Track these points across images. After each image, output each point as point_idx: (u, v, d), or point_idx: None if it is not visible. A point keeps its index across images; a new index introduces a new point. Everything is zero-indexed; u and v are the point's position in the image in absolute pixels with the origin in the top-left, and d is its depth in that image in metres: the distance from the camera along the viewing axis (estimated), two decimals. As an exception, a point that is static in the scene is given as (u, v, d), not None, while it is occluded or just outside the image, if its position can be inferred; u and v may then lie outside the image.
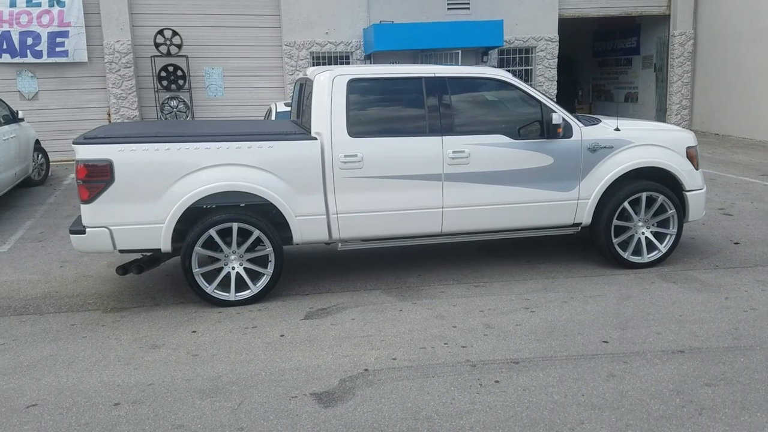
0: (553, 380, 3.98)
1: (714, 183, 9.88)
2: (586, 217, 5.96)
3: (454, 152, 5.60)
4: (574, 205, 5.90)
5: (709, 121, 15.76)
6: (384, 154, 5.54)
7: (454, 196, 5.68)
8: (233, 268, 5.45)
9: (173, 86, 14.30)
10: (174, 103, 14.38)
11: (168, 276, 6.25)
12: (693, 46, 16.32)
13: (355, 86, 5.57)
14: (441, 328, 4.85)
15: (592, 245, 6.32)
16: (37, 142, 11.24)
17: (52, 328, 5.12)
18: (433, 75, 5.69)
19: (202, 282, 5.38)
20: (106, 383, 4.16)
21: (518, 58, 15.38)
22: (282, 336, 4.81)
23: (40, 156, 11.25)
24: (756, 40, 14.38)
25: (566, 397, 3.77)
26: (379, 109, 5.70)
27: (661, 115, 16.72)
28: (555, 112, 5.73)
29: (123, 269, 5.67)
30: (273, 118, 9.14)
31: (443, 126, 5.63)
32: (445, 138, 5.62)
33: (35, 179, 11.03)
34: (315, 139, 5.47)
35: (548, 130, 5.71)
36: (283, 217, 5.44)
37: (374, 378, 4.09)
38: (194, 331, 4.96)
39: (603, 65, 19.56)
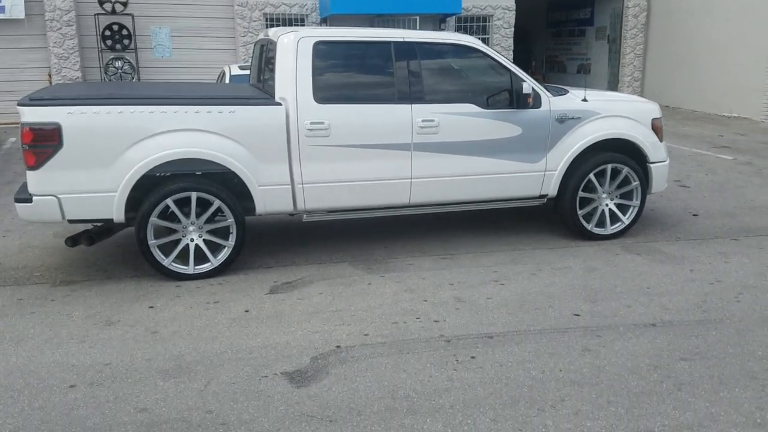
0: (529, 355, 3.92)
1: (669, 155, 10.01)
2: (552, 189, 5.91)
3: (423, 121, 5.44)
4: (541, 176, 5.84)
5: (659, 93, 16.01)
6: (352, 121, 5.32)
7: (423, 167, 5.53)
8: (192, 240, 5.19)
9: (118, 46, 13.60)
10: (119, 63, 13.70)
11: (120, 247, 5.93)
12: (646, 18, 16.47)
13: (321, 49, 5.31)
14: (412, 302, 4.73)
15: (556, 216, 6.30)
16: (-29, 103, 10.53)
17: (-3, 303, 4.79)
18: (402, 39, 5.48)
19: (158, 254, 5.10)
20: (59, 363, 3.89)
21: (476, 27, 15.22)
22: (247, 311, 4.61)
23: (-26, 118, 10.56)
24: (706, 14, 14.60)
25: (544, 373, 3.72)
26: (346, 75, 5.47)
27: (613, 87, 16.91)
28: (525, 81, 5.62)
29: (72, 241, 5.33)
30: (227, 81, 8.76)
31: (413, 93, 5.44)
32: (415, 106, 5.44)
33: (-31, 143, 10.36)
34: (280, 104, 5.21)
35: (518, 100, 5.60)
36: (246, 186, 5.18)
37: (347, 355, 3.95)
38: (151, 307, 4.70)
39: (556, 36, 19.61)
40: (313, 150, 5.27)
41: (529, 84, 5.57)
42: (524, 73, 5.71)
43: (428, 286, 5.02)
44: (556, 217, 6.29)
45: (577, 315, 4.49)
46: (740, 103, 13.96)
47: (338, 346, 4.06)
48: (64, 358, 3.96)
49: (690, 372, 3.75)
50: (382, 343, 4.11)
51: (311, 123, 5.22)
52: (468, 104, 5.56)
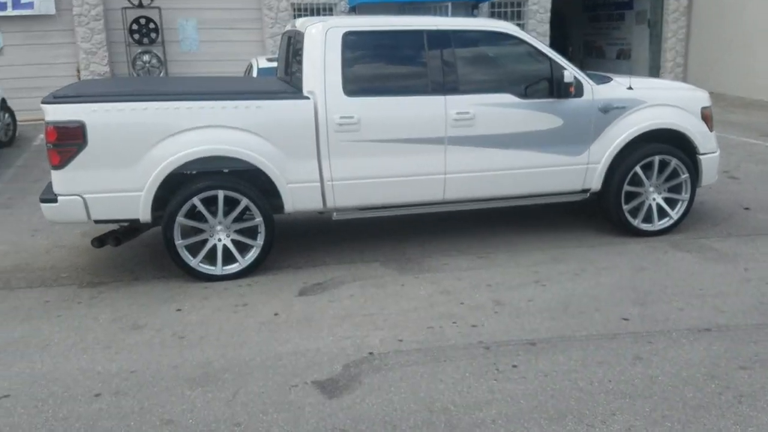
0: (576, 364, 3.66)
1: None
2: (595, 183, 5.60)
3: (458, 113, 5.18)
4: (584, 169, 5.53)
5: (704, 79, 15.36)
6: (383, 115, 5.10)
7: (458, 161, 5.27)
8: (219, 240, 5.03)
9: (145, 40, 13.55)
10: (146, 57, 13.65)
11: (147, 247, 5.80)
12: (688, 1, 15.85)
13: (350, 40, 5.08)
14: (447, 305, 4.50)
15: (596, 212, 5.99)
16: (3, 101, 10.56)
17: (24, 305, 4.69)
18: (435, 28, 5.21)
19: (185, 255, 4.96)
20: (84, 370, 3.76)
21: (509, 12, 14.81)
22: (276, 315, 4.43)
23: (6, 116, 10.59)
24: (752, -5, 13.96)
25: (592, 384, 3.46)
26: (377, 66, 5.24)
27: (654, 73, 16.32)
28: (566, 69, 5.31)
29: (99, 241, 5.22)
30: (254, 74, 8.60)
31: (446, 84, 5.19)
32: (449, 98, 5.18)
33: (2, 140, 10.38)
34: (308, 98, 5.00)
35: (559, 89, 5.30)
36: (274, 184, 5.00)
37: (381, 363, 3.75)
38: (179, 310, 4.56)
39: (594, 20, 19.01)
40: (342, 145, 5.06)
41: (570, 72, 5.27)
42: (565, 60, 5.41)
43: (464, 287, 4.78)
44: (598, 213, 5.98)
45: (626, 319, 4.21)
46: (788, 87, 13.35)
47: (371, 353, 3.86)
48: (90, 364, 3.83)
49: (750, 382, 3.45)
50: (417, 350, 3.89)
51: (341, 117, 5.00)
52: (505, 94, 5.28)
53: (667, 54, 16.09)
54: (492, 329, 4.11)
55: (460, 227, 6.15)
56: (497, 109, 5.26)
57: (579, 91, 5.38)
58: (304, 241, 5.93)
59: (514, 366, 3.66)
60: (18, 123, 11.06)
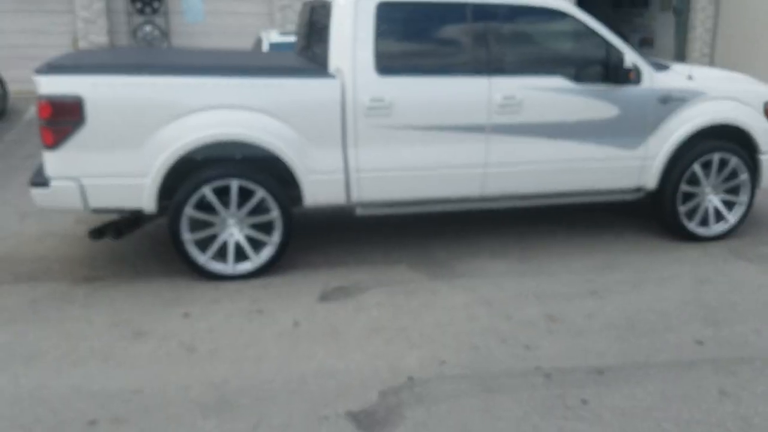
0: (656, 400, 3.13)
1: None
2: (651, 181, 5.04)
3: (503, 98, 4.60)
4: (640, 165, 4.98)
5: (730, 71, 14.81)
6: (418, 98, 4.51)
7: (500, 153, 4.70)
8: (231, 235, 4.46)
9: (147, 9, 12.82)
10: (148, 28, 12.94)
11: (152, 238, 5.23)
12: (716, -11, 15.19)
13: (385, 11, 4.48)
14: (491, 318, 3.95)
15: (636, 213, 5.43)
16: (-6, 69, 9.91)
17: (8, 304, 4.12)
18: (480, 1, 4.62)
19: (193, 251, 4.40)
20: (78, 388, 3.22)
21: (530, -7, 14.12)
22: (296, 324, 3.88)
23: (-3, 85, 9.95)
24: (786, -17, 13.31)
25: (679, 426, 2.93)
26: (413, 42, 4.63)
27: (680, 62, 15.71)
28: (625, 53, 4.74)
29: (97, 233, 4.64)
30: (264, 50, 7.96)
31: (491, 64, 4.60)
32: (493, 80, 4.60)
33: (-7, 112, 9.75)
34: (334, 77, 4.42)
35: (617, 74, 4.72)
36: (293, 174, 4.43)
37: (423, 391, 3.20)
38: (187, 315, 4.00)
39: (617, 6, 18.32)
40: (371, 132, 4.48)
41: (630, 56, 4.70)
42: (623, 43, 4.83)
43: (508, 297, 4.23)
44: (643, 214, 5.43)
45: (700, 343, 3.67)
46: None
47: (410, 378, 3.32)
48: (84, 381, 3.28)
49: None
50: (463, 375, 3.35)
51: (371, 99, 4.42)
52: (556, 78, 4.70)
53: (694, 44, 15.41)
54: (549, 352, 3.57)
55: (490, 227, 5.57)
56: (547, 94, 4.68)
57: (638, 77, 4.81)
58: (321, 237, 5.36)
59: (584, 401, 3.12)
60: (9, 94, 10.39)
